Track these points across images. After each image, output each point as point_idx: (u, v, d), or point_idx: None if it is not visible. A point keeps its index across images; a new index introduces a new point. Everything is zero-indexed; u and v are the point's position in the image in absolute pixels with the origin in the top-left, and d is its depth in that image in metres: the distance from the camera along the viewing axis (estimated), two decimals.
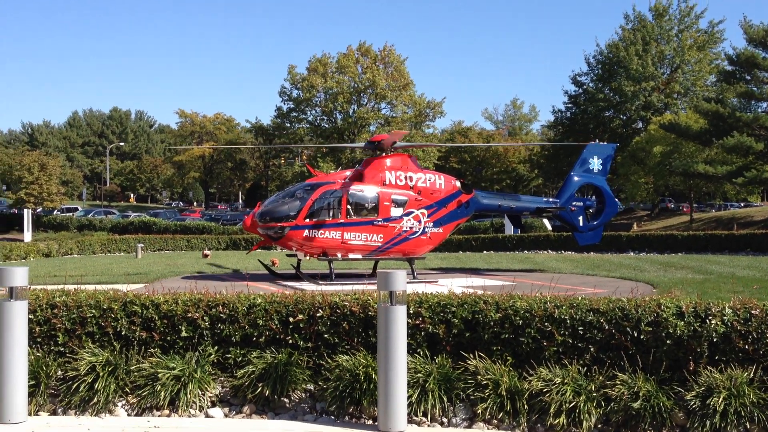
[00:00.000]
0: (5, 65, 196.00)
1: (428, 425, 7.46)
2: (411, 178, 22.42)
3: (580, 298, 7.96)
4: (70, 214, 66.33)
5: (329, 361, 7.96)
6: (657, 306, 7.55)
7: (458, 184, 23.61)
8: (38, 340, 8.30)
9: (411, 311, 7.96)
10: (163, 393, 7.78)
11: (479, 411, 7.42)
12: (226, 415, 7.90)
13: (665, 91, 72.50)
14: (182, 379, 7.84)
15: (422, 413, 7.46)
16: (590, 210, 26.61)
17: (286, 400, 7.93)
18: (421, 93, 76.03)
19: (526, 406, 7.35)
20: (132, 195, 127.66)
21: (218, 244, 41.26)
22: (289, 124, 76.28)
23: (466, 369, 7.71)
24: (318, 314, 8.16)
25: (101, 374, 7.88)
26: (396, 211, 21.92)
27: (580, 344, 7.64)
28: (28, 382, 7.59)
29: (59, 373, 8.13)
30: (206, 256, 33.23)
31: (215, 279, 20.91)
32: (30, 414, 7.69)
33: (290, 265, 23.64)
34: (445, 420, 7.52)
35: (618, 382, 7.27)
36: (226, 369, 8.22)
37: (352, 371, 7.65)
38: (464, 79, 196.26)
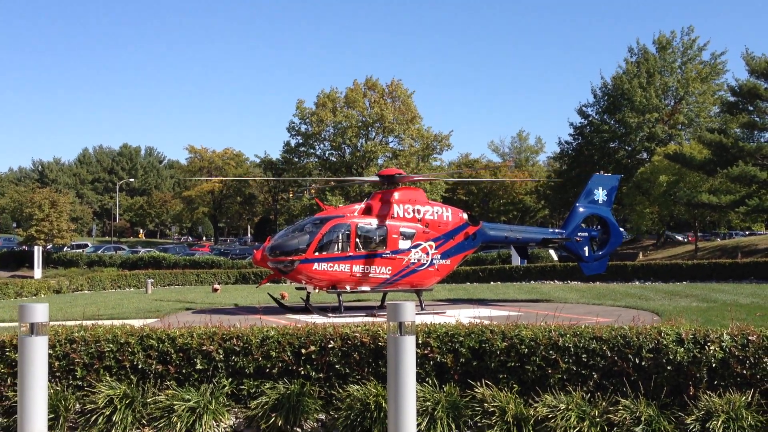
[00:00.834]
0: (16, 103, 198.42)
1: None
2: (419, 211, 22.71)
3: (583, 326, 8.20)
4: (80, 250, 66.78)
5: (340, 391, 8.19)
6: (657, 333, 7.79)
7: (465, 216, 23.88)
8: (57, 374, 8.55)
9: (420, 341, 8.20)
10: (179, 424, 8.01)
11: None
12: None
13: (669, 122, 72.96)
14: (197, 411, 8.07)
15: None
16: (596, 240, 26.83)
17: (298, 429, 8.15)
18: (428, 126, 76.61)
19: None
20: (141, 230, 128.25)
21: (228, 279, 41.47)
22: (297, 159, 76.88)
23: (473, 397, 7.93)
24: (329, 345, 8.40)
25: (119, 407, 8.13)
26: (404, 244, 22.18)
27: (583, 371, 7.87)
28: (48, 415, 7.80)
29: (77, 406, 8.38)
30: (216, 290, 33.44)
31: (227, 313, 21.12)
32: None
33: (299, 298, 23.85)
34: None
35: (620, 408, 7.49)
36: (240, 400, 8.45)
37: (363, 401, 7.88)
38: (471, 111, 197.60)
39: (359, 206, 22.89)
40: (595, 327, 8.14)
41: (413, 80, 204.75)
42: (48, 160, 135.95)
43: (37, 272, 49.41)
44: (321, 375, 8.38)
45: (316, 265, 21.25)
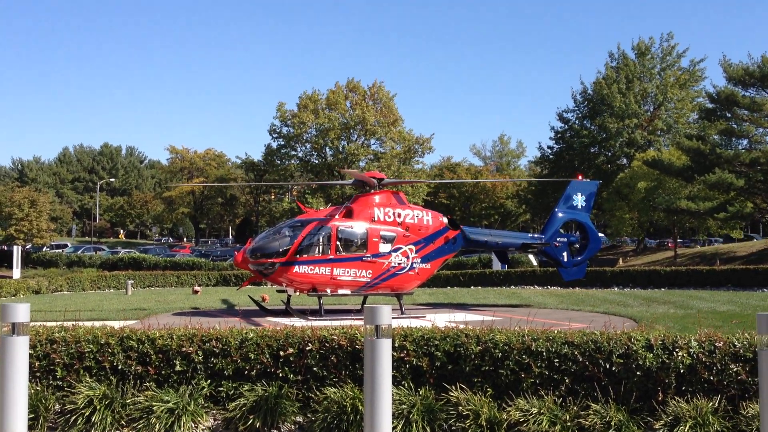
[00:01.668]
0: None
1: None
2: (399, 215, 22.86)
3: (556, 331, 8.38)
4: (60, 250, 66.37)
5: (318, 393, 8.32)
6: (628, 339, 7.98)
7: (445, 220, 24.07)
8: (37, 374, 8.62)
9: (396, 344, 8.35)
10: (157, 426, 8.10)
11: None
12: None
13: (648, 128, 73.61)
14: (176, 412, 8.17)
15: None
16: (575, 246, 27.12)
17: (276, 431, 8.27)
18: (410, 129, 76.90)
19: None
20: (121, 231, 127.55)
21: (208, 280, 41.43)
22: (279, 161, 76.86)
23: (448, 400, 8.08)
24: (307, 348, 8.53)
25: (98, 407, 8.21)
26: (384, 247, 22.32)
27: (555, 376, 8.05)
28: (28, 415, 7.84)
29: (57, 406, 8.45)
30: (196, 292, 33.43)
31: (207, 315, 21.17)
32: None
33: (280, 300, 23.94)
34: None
35: (591, 412, 7.67)
36: (218, 402, 8.56)
37: (340, 403, 8.01)
38: (453, 115, 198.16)
39: (340, 209, 23.02)
40: (568, 332, 8.33)
41: (395, 83, 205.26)
42: (28, 159, 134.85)
43: (16, 272, 49.04)
44: (299, 377, 8.50)
45: (296, 268, 21.36)
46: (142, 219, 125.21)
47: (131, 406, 8.33)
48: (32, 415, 8.12)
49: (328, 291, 21.76)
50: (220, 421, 8.45)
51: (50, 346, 8.71)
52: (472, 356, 8.25)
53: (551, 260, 27.62)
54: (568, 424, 7.65)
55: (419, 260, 22.83)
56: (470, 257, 49.64)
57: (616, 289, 35.33)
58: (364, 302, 23.60)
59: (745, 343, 7.86)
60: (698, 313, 21.01)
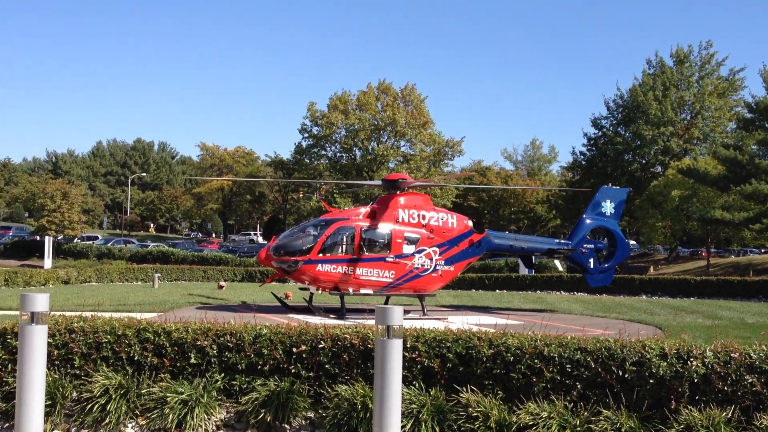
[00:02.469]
0: (33, 95, 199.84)
1: None
2: (424, 217, 22.85)
3: (569, 337, 8.34)
4: (91, 242, 67.22)
5: (329, 390, 8.36)
6: (642, 347, 7.92)
7: (470, 223, 24.00)
8: (56, 362, 8.76)
9: (408, 345, 8.36)
10: (171, 416, 8.20)
11: None
12: None
13: (684, 136, 72.70)
14: (189, 404, 8.26)
15: None
16: (602, 252, 26.90)
17: (287, 426, 8.32)
18: (440, 131, 76.69)
19: None
20: (152, 225, 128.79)
21: (234, 276, 41.74)
22: (308, 160, 77.13)
23: (458, 401, 8.08)
24: (320, 345, 8.58)
25: (114, 396, 8.32)
26: (408, 249, 22.33)
27: (567, 381, 8.01)
28: (45, 401, 7.98)
29: (74, 394, 8.57)
30: (221, 287, 33.67)
31: (227, 310, 21.32)
32: None
33: (302, 298, 24.04)
34: None
35: (602, 418, 7.62)
36: (231, 395, 8.63)
37: (351, 401, 8.05)
38: (484, 118, 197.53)
39: (364, 209, 23.05)
40: (581, 338, 8.29)
41: (427, 85, 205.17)
42: (62, 152, 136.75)
43: (47, 262, 49.86)
44: (311, 374, 8.55)
45: (319, 267, 21.44)
46: (172, 214, 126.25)
47: (146, 397, 8.44)
48: (49, 402, 8.26)
49: (351, 290, 21.82)
50: (232, 414, 8.53)
51: (69, 335, 8.84)
52: (484, 359, 8.24)
53: (578, 266, 27.44)
54: (578, 429, 7.61)
55: (443, 262, 22.80)
56: (497, 261, 49.48)
57: (644, 297, 34.98)
58: (386, 302, 23.61)
59: (761, 354, 7.76)
60: (726, 324, 20.74)
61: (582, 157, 79.34)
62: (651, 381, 7.76)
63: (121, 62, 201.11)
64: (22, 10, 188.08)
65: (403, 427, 7.66)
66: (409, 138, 73.46)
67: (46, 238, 53.83)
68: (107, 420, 8.25)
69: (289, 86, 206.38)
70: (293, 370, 8.56)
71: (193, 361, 8.70)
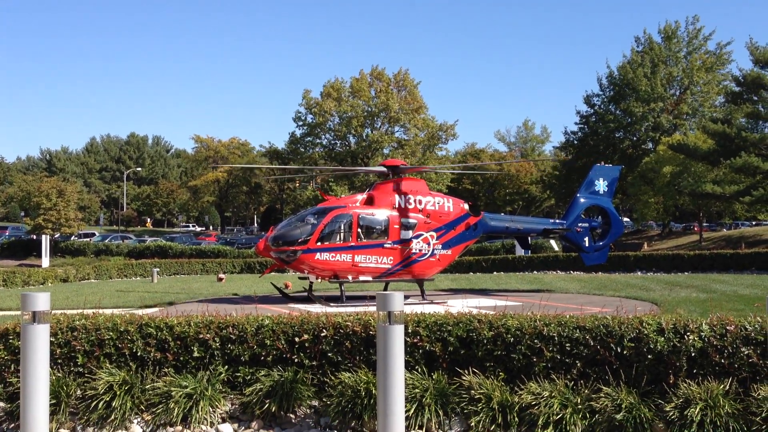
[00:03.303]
0: (25, 93, 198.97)
1: None
2: (420, 202, 22.90)
3: (567, 316, 8.43)
4: (88, 239, 67.20)
5: (333, 378, 8.44)
6: (639, 323, 8.01)
7: (466, 206, 24.08)
8: (59, 361, 8.81)
9: (409, 330, 8.44)
10: (176, 410, 8.27)
11: (473, 424, 7.87)
12: (235, 431, 8.38)
13: (674, 112, 72.84)
14: (194, 397, 8.33)
15: (419, 426, 7.92)
16: (596, 231, 27.01)
17: (292, 415, 8.41)
18: (434, 116, 76.64)
19: (516, 419, 7.81)
20: (148, 220, 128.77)
21: (233, 268, 41.79)
22: (303, 149, 77.06)
23: (460, 384, 8.17)
24: (322, 334, 8.65)
25: (118, 393, 8.37)
26: (406, 234, 22.39)
27: (567, 360, 8.11)
28: (50, 400, 8.01)
29: (78, 392, 8.62)
30: (221, 279, 33.73)
31: (228, 302, 21.40)
32: (51, 431, 8.17)
33: (302, 287, 24.13)
34: None
35: (602, 395, 7.72)
36: (235, 387, 8.71)
37: (354, 388, 8.12)
38: (476, 101, 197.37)
39: (361, 197, 23.10)
40: (579, 317, 8.38)
41: (419, 70, 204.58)
42: (56, 149, 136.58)
43: (45, 261, 49.87)
44: (314, 363, 8.62)
45: (318, 255, 21.49)
46: (169, 208, 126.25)
47: (150, 392, 8.49)
48: (54, 401, 8.30)
49: (350, 278, 21.89)
50: (237, 406, 8.60)
51: (71, 333, 8.89)
52: (485, 341, 8.32)
53: (573, 245, 27.55)
54: (580, 407, 7.71)
55: (440, 246, 22.89)
56: (493, 243, 49.58)
57: (639, 273, 35.14)
58: (385, 289, 23.71)
59: (756, 326, 7.87)
60: (721, 297, 20.90)
61: (574, 136, 79.45)
62: (649, 356, 7.86)
63: (111, 57, 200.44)
64: (10, 6, 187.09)
65: (406, 411, 7.73)
66: (403, 123, 73.44)
67: (43, 236, 53.78)
68: (112, 417, 8.30)
69: (282, 76, 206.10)
70: (296, 360, 8.63)
71: (196, 354, 8.76)
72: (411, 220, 22.52)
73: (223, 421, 8.48)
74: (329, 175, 70.66)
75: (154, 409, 8.39)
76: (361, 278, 22.18)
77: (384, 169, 23.93)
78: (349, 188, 66.38)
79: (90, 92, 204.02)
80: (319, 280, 22.86)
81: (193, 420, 8.27)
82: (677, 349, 7.80)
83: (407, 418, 7.78)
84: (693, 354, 7.77)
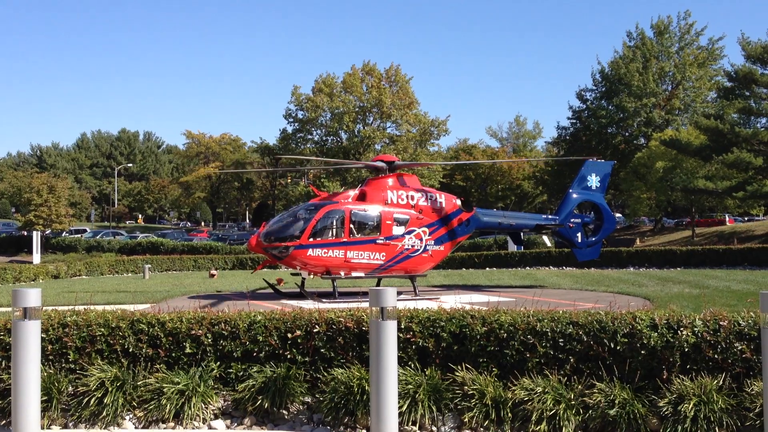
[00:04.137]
0: (15, 88, 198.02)
1: None
2: (412, 197, 22.89)
3: (561, 311, 8.41)
4: (79, 235, 66.97)
5: (325, 374, 8.40)
6: (632, 318, 8.00)
7: (459, 202, 24.08)
8: (50, 357, 8.74)
9: (402, 326, 8.41)
10: (168, 407, 8.21)
11: (466, 420, 7.85)
12: (228, 427, 8.33)
13: (666, 107, 73.00)
14: (186, 393, 8.27)
15: (412, 422, 7.88)
16: (589, 226, 27.06)
17: (284, 412, 8.37)
18: (426, 112, 76.53)
19: (509, 415, 7.79)
20: (140, 216, 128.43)
21: (225, 264, 41.73)
22: (294, 145, 76.90)
23: (454, 380, 8.14)
24: (315, 330, 8.61)
25: (110, 389, 8.31)
26: (398, 230, 22.38)
27: (560, 355, 8.09)
28: (41, 397, 7.96)
29: (70, 388, 8.55)
30: (213, 276, 33.67)
31: (220, 298, 21.34)
32: (43, 428, 8.11)
33: (294, 284, 24.08)
34: (434, 429, 7.94)
35: (596, 391, 7.70)
36: (227, 383, 8.66)
37: (347, 384, 8.08)
38: (469, 97, 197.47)
39: (353, 192, 23.07)
40: (572, 312, 8.36)
41: (411, 66, 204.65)
42: (46, 145, 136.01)
43: (36, 257, 49.69)
44: (307, 359, 8.58)
45: (310, 251, 21.45)
46: (160, 204, 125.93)
47: (142, 388, 8.43)
48: (45, 397, 8.24)
49: (342, 274, 21.86)
50: (229, 402, 8.55)
51: (62, 329, 8.82)
52: (478, 337, 8.29)
53: (565, 241, 27.60)
54: (573, 402, 7.69)
55: (433, 242, 22.88)
56: (486, 239, 49.65)
57: (631, 269, 35.24)
58: (378, 284, 23.69)
59: (749, 321, 7.87)
60: (713, 292, 20.95)
61: (566, 131, 79.52)
62: (643, 352, 7.85)
63: (102, 52, 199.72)
64: (1, 2, 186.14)
65: (399, 407, 7.71)
66: (395, 119, 73.31)
67: (34, 232, 53.60)
68: (104, 413, 8.24)
69: (274, 71, 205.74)
70: (289, 356, 8.59)
71: (188, 350, 8.71)
72: (403, 216, 22.51)
73: (216, 417, 8.43)
74: (321, 171, 70.53)
75: (146, 406, 8.33)
76: (354, 274, 22.15)
77: (383, 164, 23.89)
78: (341, 184, 66.24)
79: (81, 88, 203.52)
80: (312, 276, 22.82)
81: (186, 416, 8.22)
82: (670, 344, 7.79)
83: (400, 414, 7.75)
84: (686, 349, 7.76)
